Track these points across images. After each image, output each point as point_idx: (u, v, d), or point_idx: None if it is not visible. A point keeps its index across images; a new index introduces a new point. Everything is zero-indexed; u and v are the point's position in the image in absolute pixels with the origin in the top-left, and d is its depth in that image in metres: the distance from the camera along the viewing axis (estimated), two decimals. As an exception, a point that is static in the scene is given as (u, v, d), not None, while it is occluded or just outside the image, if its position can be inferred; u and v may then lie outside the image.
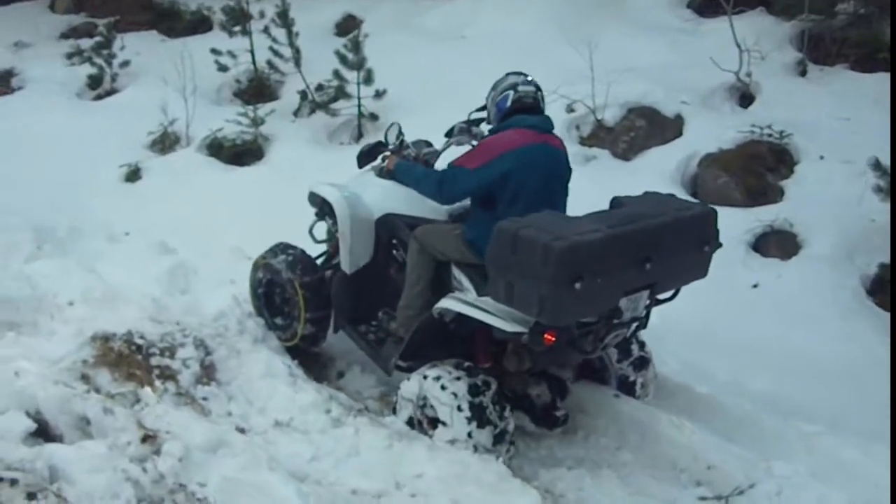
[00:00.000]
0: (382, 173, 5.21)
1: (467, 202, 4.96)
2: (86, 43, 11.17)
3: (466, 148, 5.08)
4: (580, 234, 3.69)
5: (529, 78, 4.62)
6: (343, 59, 8.70)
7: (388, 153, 5.25)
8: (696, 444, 4.57)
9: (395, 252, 5.13)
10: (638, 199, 4.37)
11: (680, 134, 8.46)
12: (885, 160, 6.57)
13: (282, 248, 5.50)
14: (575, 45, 8.62)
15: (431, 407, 4.40)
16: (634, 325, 4.35)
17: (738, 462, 4.47)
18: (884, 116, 7.91)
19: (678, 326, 5.53)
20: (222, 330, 5.27)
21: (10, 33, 12.24)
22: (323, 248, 5.70)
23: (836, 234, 6.74)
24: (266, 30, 9.41)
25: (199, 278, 6.35)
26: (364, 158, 5.38)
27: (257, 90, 9.85)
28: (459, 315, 4.41)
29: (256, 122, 8.72)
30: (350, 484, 4.16)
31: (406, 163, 5.06)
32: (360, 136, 8.96)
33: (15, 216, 7.03)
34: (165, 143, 8.93)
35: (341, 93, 8.81)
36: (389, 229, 5.08)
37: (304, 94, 9.15)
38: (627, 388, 4.93)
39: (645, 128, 8.57)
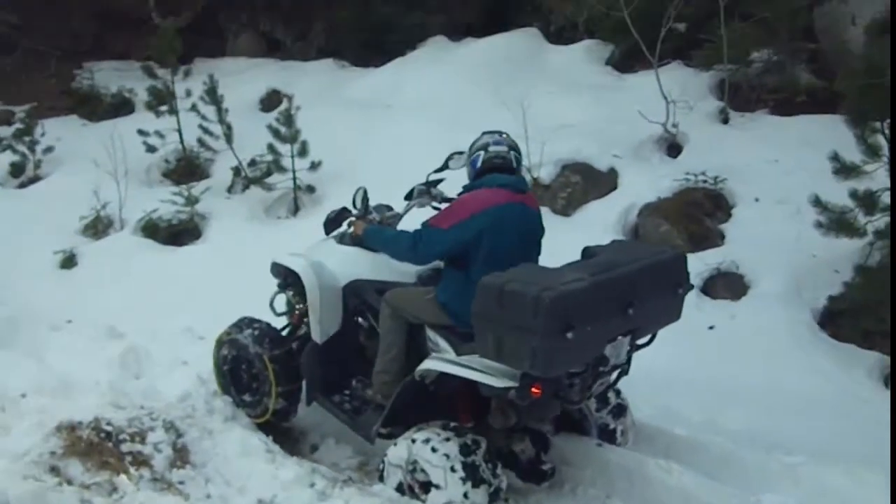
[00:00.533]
0: (346, 239, 5.18)
1: (436, 263, 4.95)
2: (4, 131, 10.88)
3: (427, 210, 5.12)
4: (566, 284, 3.70)
5: (502, 137, 4.63)
6: (276, 133, 8.65)
7: (352, 219, 5.19)
8: (687, 486, 4.52)
9: (363, 319, 5.05)
10: (608, 247, 4.43)
11: (615, 186, 8.58)
12: (823, 197, 6.77)
13: (246, 322, 5.38)
14: (504, 106, 8.73)
15: (422, 471, 4.29)
16: (617, 371, 4.35)
17: (729, 499, 4.45)
18: (810, 156, 8.18)
19: (645, 372, 5.47)
20: (190, 411, 5.11)
21: (-74, 124, 11.86)
22: (283, 321, 5.58)
23: (781, 271, 6.89)
24: (194, 107, 9.31)
25: (152, 362, 6.17)
26: (331, 225, 5.33)
27: (187, 169, 9.71)
28: (440, 376, 4.36)
29: (191, 200, 8.57)
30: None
31: (375, 227, 5.00)
32: (296, 209, 8.90)
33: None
34: (98, 227, 8.71)
35: (276, 167, 8.73)
36: (357, 295, 5.00)
37: (237, 171, 9.06)
38: (608, 436, 4.91)
39: (581, 183, 8.64)
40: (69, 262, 8.20)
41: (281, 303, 5.51)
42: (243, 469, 4.67)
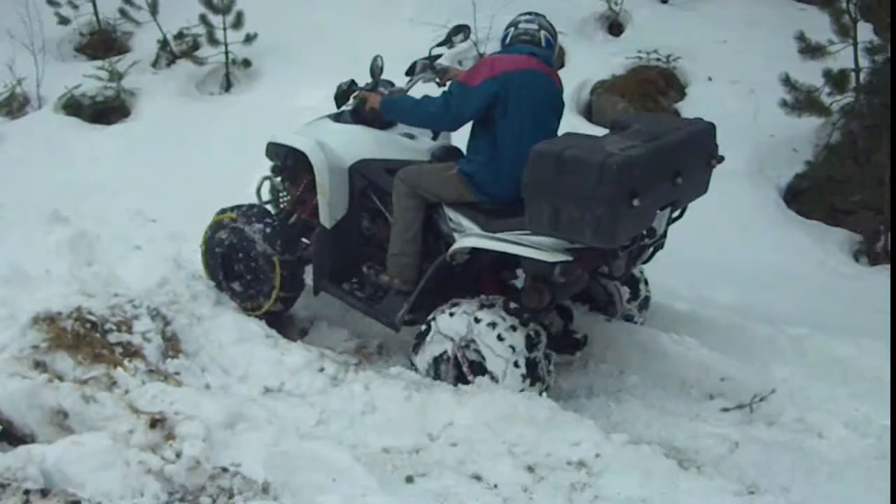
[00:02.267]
0: (345, 116, 4.86)
1: (448, 140, 4.82)
2: None
3: (432, 86, 4.87)
4: (627, 150, 3.53)
5: (535, 17, 4.37)
6: (208, 3, 8.00)
7: (359, 92, 4.78)
8: (704, 359, 4.51)
9: (371, 201, 4.72)
10: (637, 118, 4.29)
11: (563, 64, 8.36)
12: (772, 78, 6.76)
13: (256, 214, 4.95)
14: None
15: (479, 353, 4.10)
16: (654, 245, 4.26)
17: (744, 370, 4.45)
18: (759, 36, 8.23)
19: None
20: (173, 297, 4.71)
21: None
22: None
23: (743, 150, 6.83)
24: (112, -26, 8.55)
25: (103, 247, 5.69)
26: (342, 98, 4.87)
27: (103, 43, 8.93)
28: (470, 257, 4.24)
29: (116, 76, 7.91)
30: (375, 444, 3.82)
31: (392, 97, 4.60)
32: (229, 84, 8.35)
33: None
34: (13, 105, 7.97)
35: (210, 39, 8.11)
36: (364, 176, 4.67)
37: (163, 44, 8.38)
38: None
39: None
40: (-13, 142, 7.49)
41: (266, 189, 5.18)
42: (242, 356, 4.38)
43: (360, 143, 4.68)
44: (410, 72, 4.94)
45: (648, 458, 3.57)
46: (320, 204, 4.67)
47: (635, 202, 3.44)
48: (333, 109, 5.01)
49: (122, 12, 8.60)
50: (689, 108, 7.61)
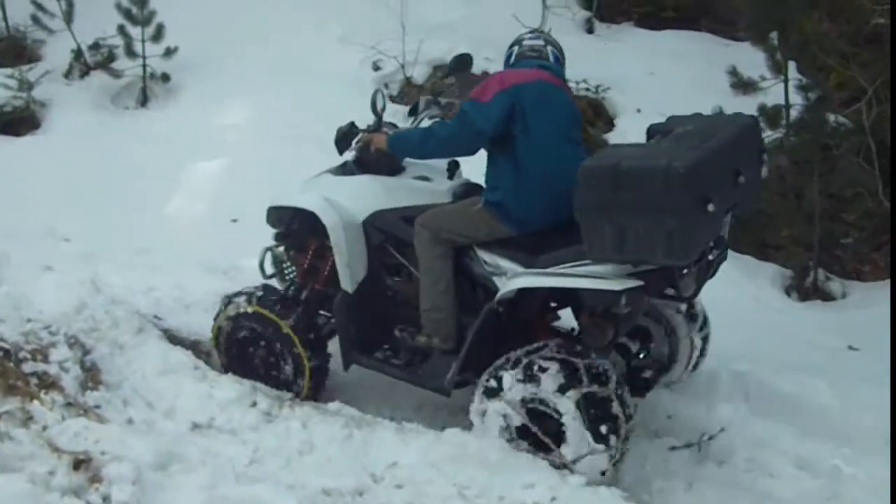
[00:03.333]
0: (347, 168, 4.46)
1: (465, 178, 4.44)
2: None
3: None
4: (689, 152, 3.20)
5: (538, 33, 4.24)
6: (127, 14, 7.68)
7: (362, 136, 4.40)
8: (649, 396, 4.34)
9: (391, 256, 4.34)
10: (677, 121, 3.92)
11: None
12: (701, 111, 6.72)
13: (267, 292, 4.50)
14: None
15: (555, 411, 3.62)
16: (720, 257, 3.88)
17: (695, 408, 4.37)
18: (686, 71, 8.31)
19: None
20: (92, 323, 4.39)
21: None
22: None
23: (672, 182, 6.84)
24: (23, -20, 8.13)
25: (12, 266, 5.33)
26: (344, 142, 4.46)
27: (11, 51, 8.44)
28: (515, 302, 3.83)
29: (26, 85, 7.50)
30: (314, 485, 3.58)
31: (398, 133, 4.28)
32: (145, 99, 8.01)
33: None
34: (-89, 111, 7.48)
35: (127, 51, 7.78)
36: (380, 229, 4.27)
37: (77, 54, 8.00)
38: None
39: (455, 85, 8.32)
40: None
41: (269, 262, 4.68)
42: (167, 389, 4.08)
43: (370, 193, 4.29)
44: (413, 112, 4.62)
45: (607, 501, 3.43)
46: (339, 267, 4.25)
47: (710, 207, 3.11)
48: (255, 129, 4.71)
49: (35, 19, 8.15)
50: (617, 139, 7.61)
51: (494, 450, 3.63)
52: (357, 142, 4.40)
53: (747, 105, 6.57)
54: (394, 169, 4.36)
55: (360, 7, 8.67)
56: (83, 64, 8.14)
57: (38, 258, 5.43)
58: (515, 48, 4.12)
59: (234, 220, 6.27)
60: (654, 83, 8.23)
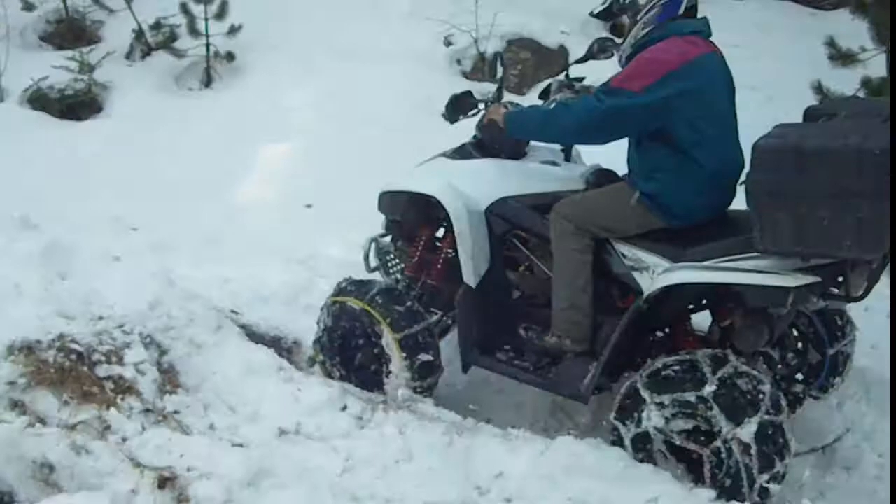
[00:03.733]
0: (466, 150, 4.07)
1: (597, 164, 4.01)
2: None
3: None
4: (878, 134, 2.83)
5: None
6: (190, -10, 7.41)
7: (482, 107, 4.00)
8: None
9: (516, 249, 3.97)
10: (834, 104, 3.76)
11: (567, 64, 7.90)
12: (796, 87, 6.33)
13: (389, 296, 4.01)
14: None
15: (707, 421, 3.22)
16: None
17: (815, 408, 3.98)
18: (773, 43, 7.86)
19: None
20: (167, 321, 4.11)
21: None
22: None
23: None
24: (82, -42, 7.93)
25: (79, 258, 5.08)
26: (453, 111, 4.04)
27: (70, 32, 8.25)
28: (659, 300, 3.43)
29: (87, 67, 7.26)
30: (413, 497, 3.25)
31: (518, 109, 3.84)
32: (209, 80, 7.74)
33: None
34: (-27, 97, 7.29)
35: (191, 30, 7.50)
36: (506, 219, 3.88)
37: (138, 34, 7.74)
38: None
39: (531, 60, 8.18)
40: (-56, 137, 6.80)
41: (374, 253, 4.41)
42: (251, 392, 3.77)
43: (493, 179, 3.89)
44: (545, 95, 4.13)
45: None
46: (462, 259, 3.86)
47: None
48: (324, 111, 4.36)
49: (94, -1, 7.95)
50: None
51: (612, 460, 3.29)
52: (478, 122, 3.99)
53: (847, 78, 6.16)
54: (517, 152, 3.99)
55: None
56: (144, 44, 7.92)
57: (105, 248, 5.18)
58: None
59: (308, 206, 5.97)
60: (740, 56, 7.64)
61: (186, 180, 6.23)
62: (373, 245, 4.34)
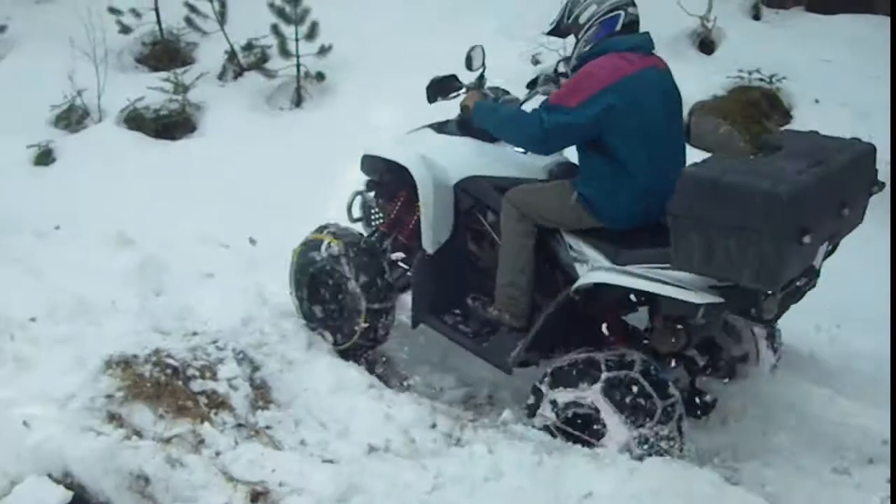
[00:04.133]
0: (450, 127, 4.33)
1: (563, 156, 4.15)
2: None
3: None
4: (797, 177, 3.02)
5: None
6: (280, 13, 7.50)
7: (465, 94, 4.22)
8: (860, 418, 4.01)
9: (478, 223, 4.22)
10: (788, 136, 3.73)
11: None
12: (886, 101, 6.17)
13: (360, 251, 4.40)
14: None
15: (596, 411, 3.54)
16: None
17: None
18: (864, 57, 7.65)
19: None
20: (259, 337, 4.18)
21: None
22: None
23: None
24: (178, -19, 8.10)
25: (173, 275, 5.19)
26: (434, 91, 4.33)
27: (165, 54, 8.45)
28: (591, 293, 3.67)
29: (182, 88, 7.42)
30: (503, 516, 3.23)
31: (489, 102, 4.08)
32: (300, 99, 7.82)
33: None
34: (72, 117, 7.46)
35: (281, 51, 7.61)
36: (471, 195, 4.16)
37: (230, 55, 7.89)
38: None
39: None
40: (45, 157, 6.99)
41: (357, 206, 4.68)
42: (341, 408, 3.84)
43: (467, 157, 4.17)
44: (532, 84, 4.37)
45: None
46: (423, 226, 4.17)
47: (806, 240, 2.93)
48: (414, 126, 4.51)
49: (189, 21, 8.09)
50: (798, 133, 7.02)
51: (702, 482, 3.22)
52: (462, 103, 4.18)
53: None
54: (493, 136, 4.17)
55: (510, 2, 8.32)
56: (237, 65, 8.05)
57: (198, 265, 5.31)
58: (621, 14, 3.63)
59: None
60: (830, 71, 7.59)
61: (278, 199, 6.27)
62: (357, 198, 4.63)
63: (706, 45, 8.43)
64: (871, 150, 3.62)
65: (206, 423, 3.45)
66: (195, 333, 4.14)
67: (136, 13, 8.16)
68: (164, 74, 7.66)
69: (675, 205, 3.14)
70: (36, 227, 5.84)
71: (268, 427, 3.66)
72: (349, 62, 7.87)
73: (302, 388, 3.92)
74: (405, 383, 4.27)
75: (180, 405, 3.51)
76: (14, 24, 8.96)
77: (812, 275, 3.39)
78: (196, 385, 3.69)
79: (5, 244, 5.52)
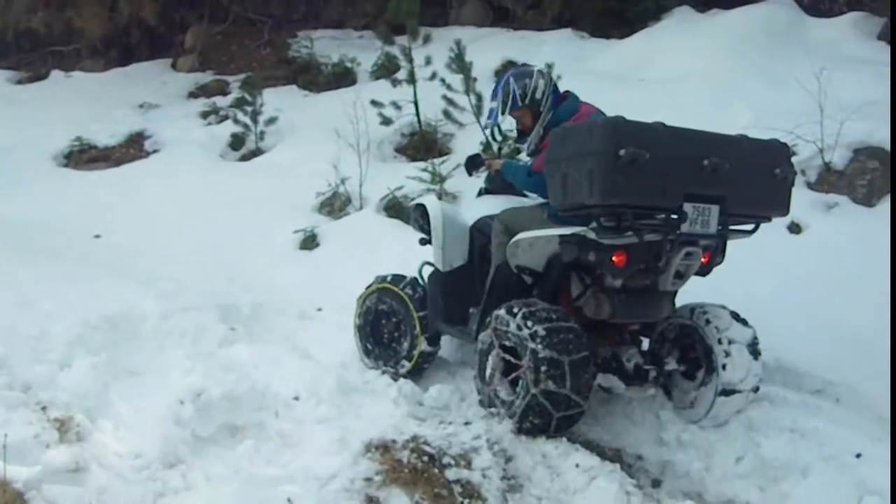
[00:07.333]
0: (482, 190, 5.41)
1: None
2: (220, 101, 10.34)
3: None
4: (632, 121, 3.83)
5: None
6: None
7: (487, 162, 5.34)
8: None
9: (487, 251, 4.96)
10: None
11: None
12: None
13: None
14: (767, 83, 7.85)
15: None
16: (706, 250, 4.24)
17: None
18: None
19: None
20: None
21: (134, 94, 11.59)
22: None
23: None
24: (434, 76, 8.49)
25: (427, 360, 5.30)
26: (468, 166, 5.49)
27: (423, 145, 8.82)
28: (536, 272, 4.58)
29: (438, 178, 7.66)
30: None
31: (511, 161, 5.23)
32: (547, 188, 7.89)
33: (192, 292, 6.05)
34: (335, 204, 7.94)
35: (527, 142, 7.74)
36: (483, 231, 5.04)
37: (486, 146, 8.11)
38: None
39: (880, 170, 7.45)
40: (310, 242, 7.44)
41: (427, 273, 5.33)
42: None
43: (482, 205, 5.21)
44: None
45: None
46: (434, 248, 5.13)
47: (621, 152, 3.63)
48: None
49: (446, 113, 8.43)
50: None
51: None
52: (484, 171, 5.46)
53: None
54: (510, 190, 5.12)
55: (772, 91, 8.05)
56: (491, 156, 8.21)
57: (451, 353, 5.41)
58: (550, 81, 4.79)
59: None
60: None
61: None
62: (425, 267, 5.33)
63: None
64: (778, 144, 4.33)
65: (460, 512, 3.44)
66: (450, 422, 4.18)
67: (397, 105, 8.58)
68: (421, 164, 7.95)
69: (546, 157, 4.09)
70: (300, 308, 6.17)
71: (520, 521, 3.61)
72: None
73: (553, 486, 3.82)
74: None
75: (436, 492, 3.54)
76: (284, 116, 9.68)
77: (684, 219, 3.90)
78: (451, 473, 3.71)
79: (272, 323, 5.86)
